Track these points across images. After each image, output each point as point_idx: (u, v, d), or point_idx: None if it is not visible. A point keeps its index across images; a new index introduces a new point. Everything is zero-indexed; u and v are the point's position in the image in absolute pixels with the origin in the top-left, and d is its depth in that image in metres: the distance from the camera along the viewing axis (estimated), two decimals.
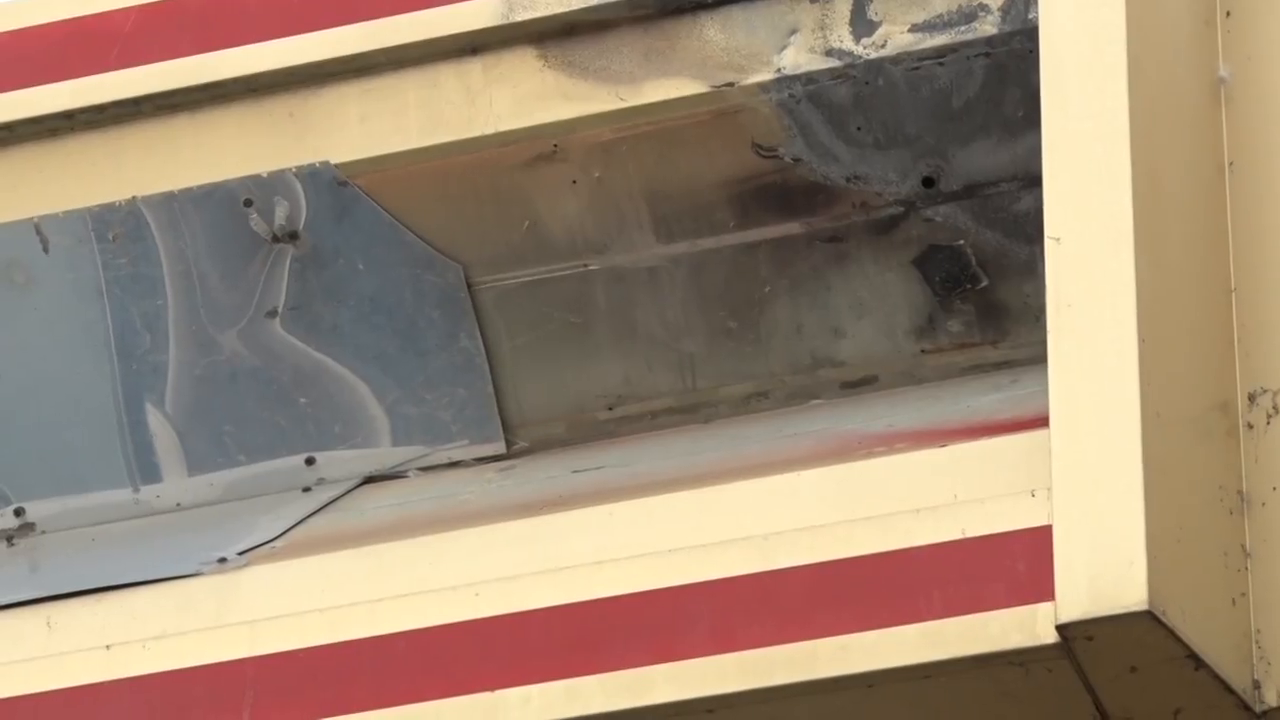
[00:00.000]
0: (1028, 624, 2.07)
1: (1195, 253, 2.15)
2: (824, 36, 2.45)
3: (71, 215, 2.51)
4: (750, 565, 2.17)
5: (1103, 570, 2.11)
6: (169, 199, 2.45)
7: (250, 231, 2.43)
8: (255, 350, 2.47)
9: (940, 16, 2.44)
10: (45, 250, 2.49)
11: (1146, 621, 1.93)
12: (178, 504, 2.49)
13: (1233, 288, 2.07)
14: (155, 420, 2.49)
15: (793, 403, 2.53)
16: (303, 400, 2.47)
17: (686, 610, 2.08)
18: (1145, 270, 2.12)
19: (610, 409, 2.50)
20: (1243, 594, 2.14)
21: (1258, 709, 2.08)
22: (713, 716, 2.07)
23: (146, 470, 2.47)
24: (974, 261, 2.50)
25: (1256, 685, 2.08)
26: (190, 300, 2.51)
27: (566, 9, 2.48)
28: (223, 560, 2.27)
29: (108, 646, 2.26)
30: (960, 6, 2.44)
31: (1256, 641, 2.14)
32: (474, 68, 2.43)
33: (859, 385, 2.57)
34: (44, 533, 2.53)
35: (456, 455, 2.46)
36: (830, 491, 2.27)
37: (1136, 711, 2.13)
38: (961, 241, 2.49)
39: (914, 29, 2.42)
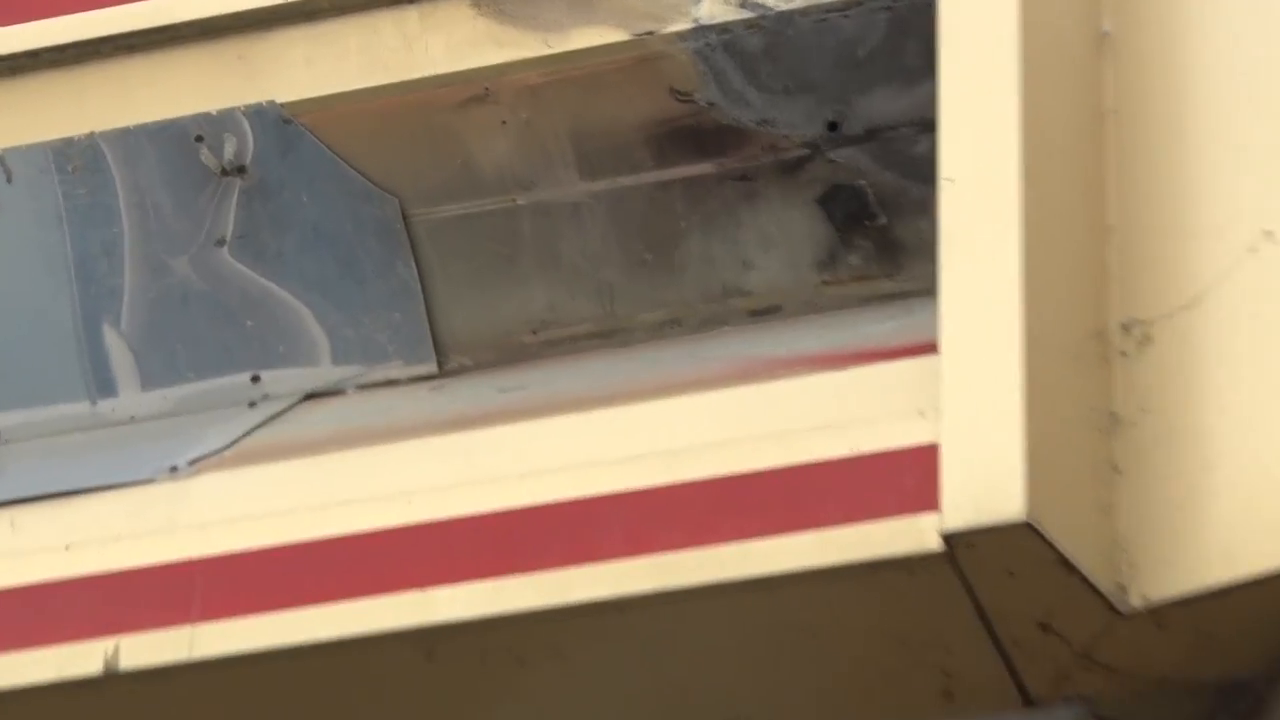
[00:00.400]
0: (915, 532, 1.94)
1: (1077, 193, 1.97)
2: None
3: (34, 148, 2.23)
4: (660, 478, 1.97)
5: (985, 484, 1.90)
6: (125, 134, 2.19)
7: (201, 165, 2.18)
8: (205, 276, 2.23)
9: None
10: (9, 180, 2.22)
11: (1024, 531, 1.80)
12: (132, 417, 2.24)
13: (1110, 225, 1.98)
14: (111, 339, 2.26)
15: (703, 329, 2.28)
16: (249, 323, 2.22)
17: (602, 518, 1.87)
18: (1030, 208, 1.91)
19: (535, 333, 2.26)
20: (1111, 506, 1.95)
21: (1123, 610, 1.92)
22: (624, 615, 1.93)
23: (103, 386, 2.22)
24: (873, 200, 2.29)
25: (1122, 589, 1.89)
26: (145, 228, 2.25)
27: None
28: (174, 469, 2.06)
29: (67, 546, 2.12)
30: None
31: (1123, 549, 1.97)
32: (411, 15, 2.17)
33: (765, 313, 2.35)
34: (8, 442, 2.28)
35: (392, 374, 2.22)
36: (735, 411, 2.09)
37: (1012, 611, 1.91)
38: (862, 182, 2.21)
39: None
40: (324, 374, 2.27)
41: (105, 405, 2.28)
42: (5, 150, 2.37)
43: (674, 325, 2.30)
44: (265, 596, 2.02)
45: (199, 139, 2.25)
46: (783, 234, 2.31)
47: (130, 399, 2.28)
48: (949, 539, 1.67)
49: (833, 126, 2.19)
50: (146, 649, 2.01)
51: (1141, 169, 1.99)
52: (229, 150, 2.24)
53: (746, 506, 1.97)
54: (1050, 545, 1.70)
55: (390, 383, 2.27)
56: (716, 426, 2.06)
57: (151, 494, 2.08)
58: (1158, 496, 1.87)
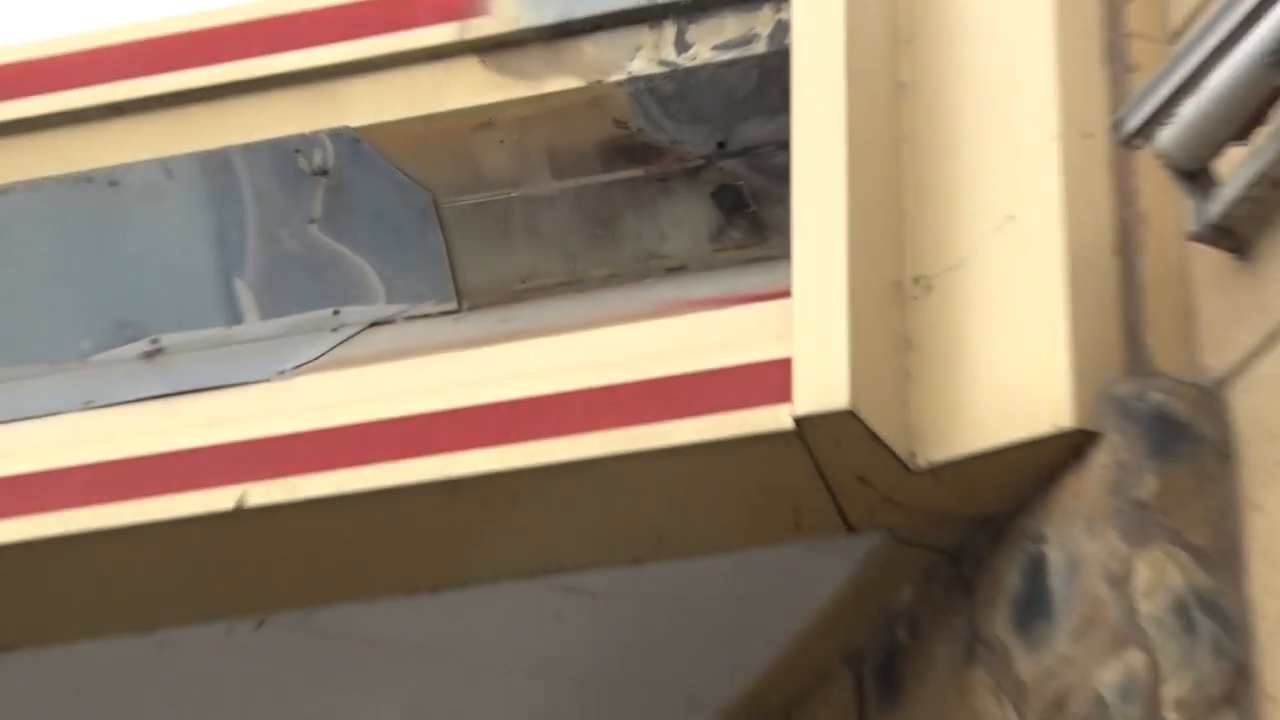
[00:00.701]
0: (775, 417, 2.05)
1: (883, 190, 2.18)
2: (658, 52, 2.52)
3: (185, 156, 2.66)
4: (603, 380, 2.22)
5: (822, 385, 2.00)
6: (248, 147, 2.61)
7: (298, 169, 2.60)
8: (301, 243, 2.64)
9: (730, 40, 2.48)
10: (170, 177, 2.61)
11: (847, 416, 1.94)
12: (253, 338, 2.65)
13: (905, 212, 2.18)
14: (239, 285, 2.65)
15: (635, 281, 2.67)
16: (331, 275, 2.61)
17: (565, 406, 2.19)
18: (852, 201, 1.96)
19: (523, 283, 2.67)
20: (905, 400, 2.07)
21: (913, 469, 2.01)
22: (579, 472, 2.15)
23: (234, 316, 2.62)
24: (748, 195, 2.59)
25: (912, 455, 1.93)
26: (261, 211, 2.66)
27: (498, 31, 2.57)
28: (281, 372, 2.46)
29: (209, 424, 2.37)
30: (743, 34, 2.49)
31: (912, 428, 2.01)
32: (439, 68, 2.58)
33: (676, 270, 2.68)
34: (170, 353, 2.68)
35: (426, 310, 2.64)
36: (654, 335, 2.33)
37: (839, 469, 2.06)
38: (740, 182, 2.59)
39: (714, 48, 2.49)
40: (381, 310, 2.62)
41: (235, 330, 2.64)
42: (167, 158, 2.72)
43: (615, 278, 2.63)
44: (345, 457, 2.21)
45: (297, 151, 2.63)
46: (688, 217, 2.64)
47: (253, 326, 2.64)
48: (798, 421, 1.91)
49: (721, 145, 2.56)
50: (266, 492, 2.20)
51: (925, 173, 2.20)
52: (317, 159, 2.61)
53: (663, 399, 2.08)
54: (864, 425, 1.89)
55: (425, 316, 2.61)
56: (643, 346, 2.26)
57: (267, 389, 2.46)
58: (936, 394, 2.02)
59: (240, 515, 2.20)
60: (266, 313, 2.64)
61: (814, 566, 2.36)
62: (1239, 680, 1.69)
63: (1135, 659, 1.75)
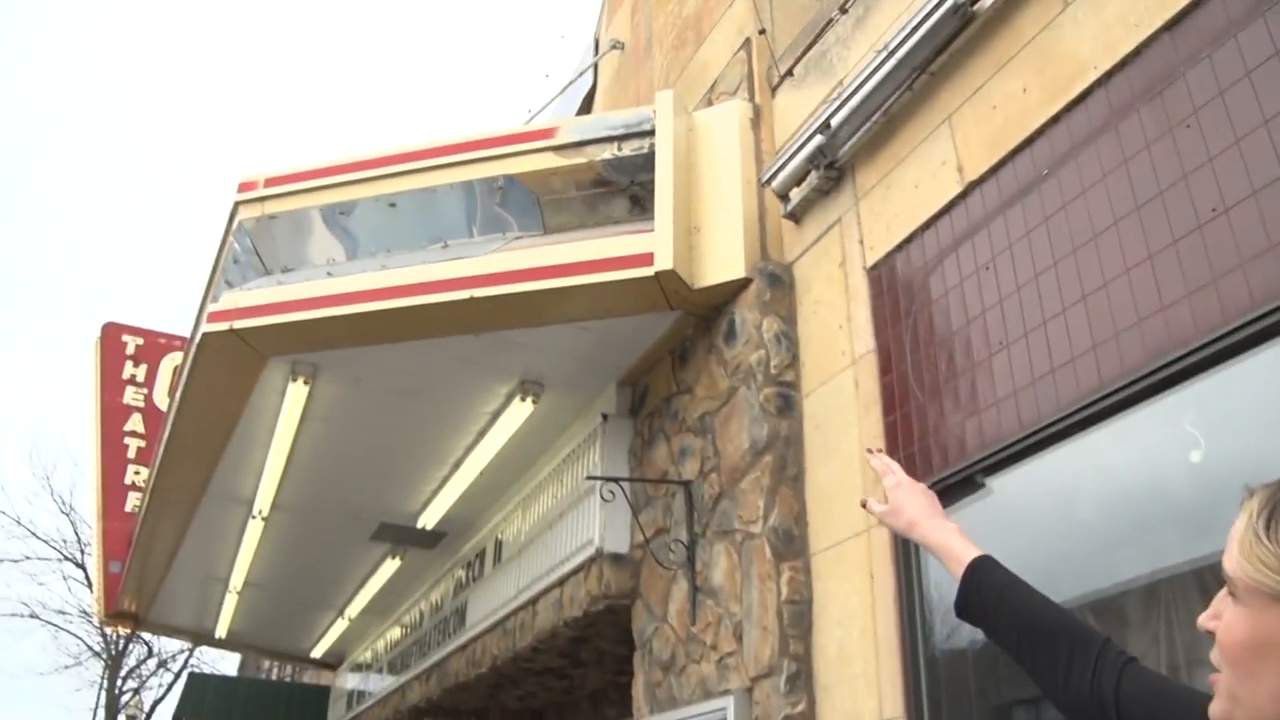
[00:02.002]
0: (647, 271, 4.68)
1: (684, 192, 5.38)
2: (614, 151, 5.40)
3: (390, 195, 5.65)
4: (573, 257, 5.17)
5: (662, 259, 4.63)
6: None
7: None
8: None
9: (639, 148, 5.14)
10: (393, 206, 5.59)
11: (672, 272, 4.88)
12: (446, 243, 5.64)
13: (690, 198, 5.41)
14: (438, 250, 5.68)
15: (596, 226, 5.40)
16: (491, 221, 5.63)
17: (514, 275, 5.30)
18: (673, 196, 5.33)
19: (519, 239, 5.74)
20: (691, 261, 5.26)
21: (692, 285, 4.57)
22: (505, 305, 5.16)
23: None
24: (642, 199, 4.79)
25: (689, 285, 5.01)
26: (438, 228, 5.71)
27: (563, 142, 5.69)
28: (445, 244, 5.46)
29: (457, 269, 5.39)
30: (640, 147, 5.24)
31: (693, 277, 5.16)
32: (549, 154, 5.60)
33: (614, 223, 5.60)
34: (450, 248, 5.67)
35: (517, 235, 5.65)
36: (602, 242, 5.26)
37: (667, 288, 4.27)
38: (639, 193, 5.06)
39: (632, 150, 5.48)
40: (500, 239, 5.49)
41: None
42: (394, 194, 5.28)
43: (590, 226, 5.45)
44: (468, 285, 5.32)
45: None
46: (619, 207, 5.03)
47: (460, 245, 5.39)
48: (656, 274, 4.58)
49: (632, 181, 4.96)
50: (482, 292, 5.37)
51: (699, 198, 5.45)
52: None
53: (605, 264, 5.09)
54: (676, 273, 4.52)
55: (517, 238, 5.70)
56: (599, 248, 5.27)
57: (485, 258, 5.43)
58: (701, 260, 4.76)
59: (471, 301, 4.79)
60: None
61: (658, 321, 5.04)
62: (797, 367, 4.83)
63: (759, 354, 4.60)
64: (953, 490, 3.41)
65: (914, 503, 1.82)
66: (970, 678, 3.46)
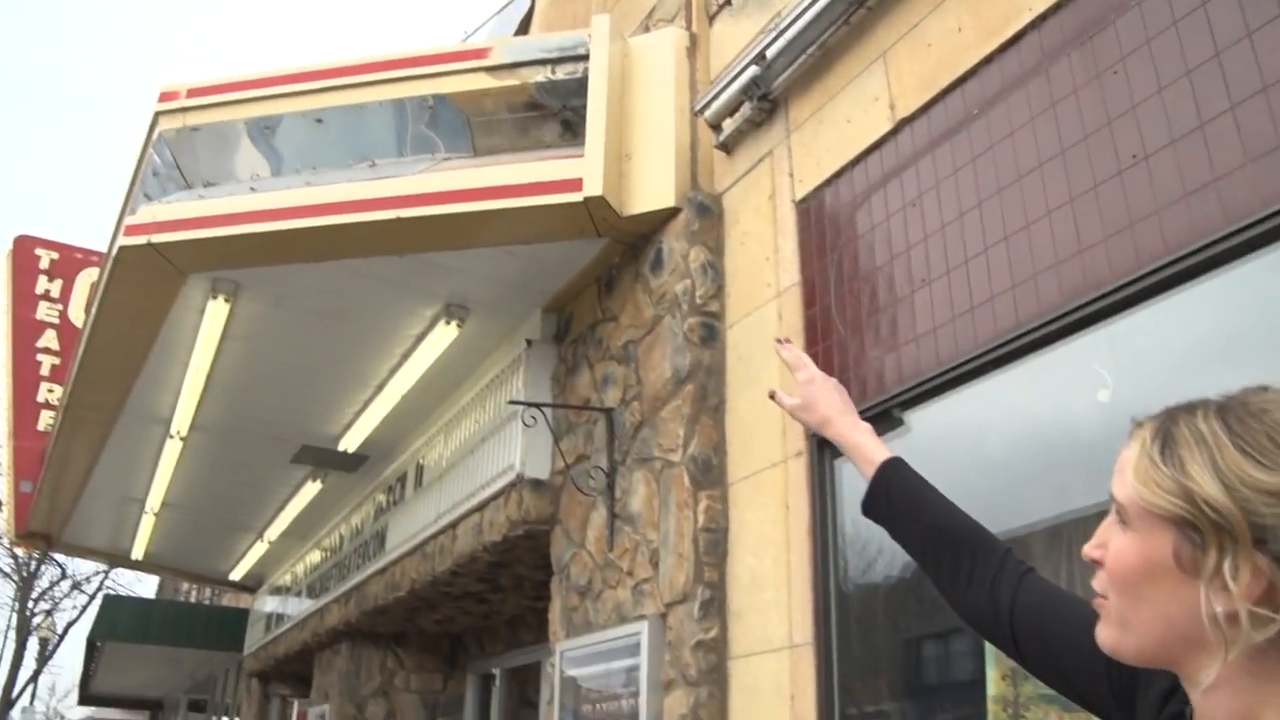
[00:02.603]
0: (576, 197, 4.52)
1: (616, 122, 5.34)
2: (548, 73, 5.43)
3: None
4: (505, 179, 5.20)
5: (591, 184, 4.33)
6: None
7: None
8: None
9: (572, 71, 5.40)
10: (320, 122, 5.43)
11: (600, 198, 5.00)
12: (375, 164, 5.52)
13: (622, 126, 5.37)
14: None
15: (527, 150, 5.24)
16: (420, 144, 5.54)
17: (442, 196, 5.22)
18: (606, 124, 5.26)
19: (488, 147, 5.68)
20: (620, 188, 5.21)
21: (621, 212, 4.85)
22: (433, 227, 5.13)
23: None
24: (574, 124, 4.88)
25: (618, 212, 5.07)
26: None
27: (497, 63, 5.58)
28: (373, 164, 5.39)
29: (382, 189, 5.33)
30: (574, 70, 5.38)
31: (623, 200, 5.19)
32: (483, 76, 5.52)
33: (546, 147, 5.57)
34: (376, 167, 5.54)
35: (446, 156, 5.60)
36: (534, 166, 5.29)
37: (595, 214, 4.37)
38: (571, 115, 5.20)
39: (566, 74, 5.49)
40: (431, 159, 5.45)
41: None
42: (321, 110, 5.33)
43: (521, 150, 5.60)
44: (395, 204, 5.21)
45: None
46: (550, 131, 5.04)
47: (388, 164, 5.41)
48: (585, 200, 4.53)
49: (564, 105, 4.99)
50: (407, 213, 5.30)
51: (630, 121, 5.47)
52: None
53: (536, 188, 4.97)
54: (605, 199, 4.59)
55: (445, 159, 5.54)
56: (531, 170, 5.26)
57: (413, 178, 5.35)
58: (630, 187, 4.66)
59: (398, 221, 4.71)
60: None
61: (585, 247, 5.04)
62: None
63: (685, 283, 4.59)
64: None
65: (827, 398, 1.80)
66: (880, 610, 3.54)
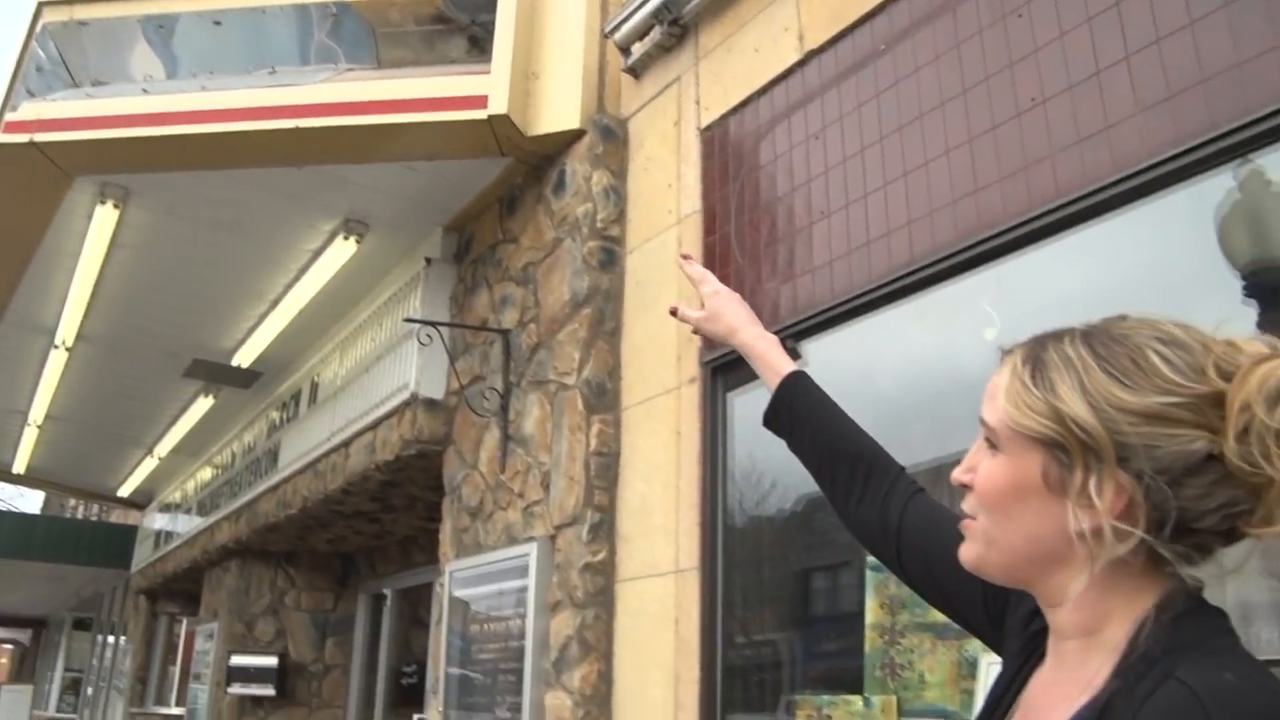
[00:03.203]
0: (481, 115, 4.49)
1: (526, 37, 5.22)
2: None
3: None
4: (407, 93, 4.98)
5: (496, 102, 4.28)
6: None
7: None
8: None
9: None
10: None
11: (505, 116, 4.65)
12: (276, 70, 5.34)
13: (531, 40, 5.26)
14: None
15: (433, 65, 4.98)
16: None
17: (345, 109, 5.10)
18: (514, 40, 5.16)
19: (394, 59, 5.50)
20: (526, 108, 5.10)
21: (527, 132, 4.84)
22: (331, 136, 4.98)
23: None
24: (480, 39, 4.95)
25: (526, 127, 5.08)
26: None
27: None
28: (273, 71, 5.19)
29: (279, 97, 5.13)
30: None
31: (528, 119, 5.25)
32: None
33: (452, 62, 5.30)
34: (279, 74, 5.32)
35: (349, 67, 5.41)
36: (441, 80, 5.18)
37: (499, 133, 4.30)
38: (479, 31, 5.08)
39: None
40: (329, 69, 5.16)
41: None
42: (219, 11, 5.11)
43: (426, 62, 5.50)
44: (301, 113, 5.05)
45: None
46: (456, 47, 4.83)
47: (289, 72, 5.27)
48: (490, 118, 4.47)
49: (472, 20, 4.93)
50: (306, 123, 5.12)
51: (540, 39, 5.35)
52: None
53: (440, 104, 4.95)
54: (509, 118, 4.48)
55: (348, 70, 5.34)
56: (438, 85, 5.09)
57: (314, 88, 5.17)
58: (537, 107, 4.62)
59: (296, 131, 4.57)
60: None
61: (488, 167, 4.96)
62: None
63: (587, 206, 4.48)
64: None
65: (733, 309, 1.81)
66: (768, 541, 3.60)
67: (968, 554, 1.17)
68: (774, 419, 1.69)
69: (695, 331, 1.94)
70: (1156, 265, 2.65)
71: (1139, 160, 2.47)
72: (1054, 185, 2.69)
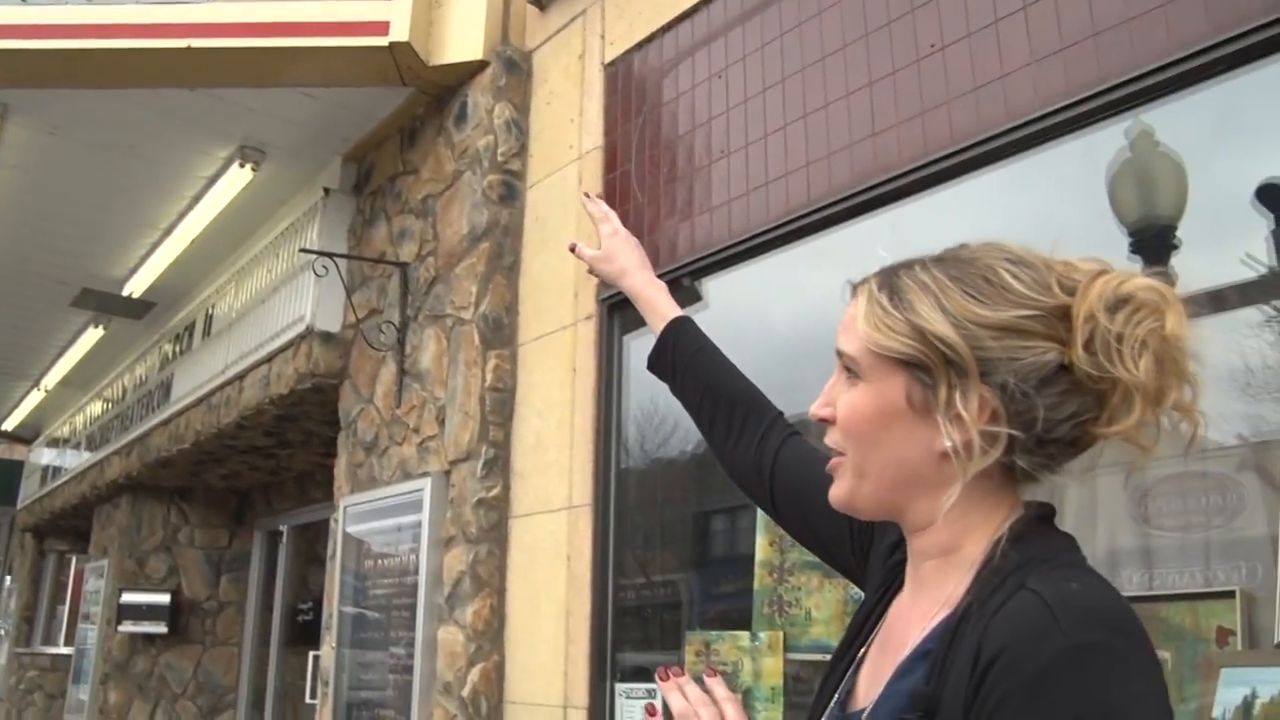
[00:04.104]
0: (382, 42, 4.37)
1: None
2: None
3: None
4: (309, 16, 5.03)
5: (398, 29, 4.12)
6: None
7: None
8: None
9: None
10: None
11: (406, 43, 4.25)
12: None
13: None
14: None
15: None
16: None
17: (246, 29, 4.95)
18: None
19: None
20: (429, 37, 4.94)
21: (429, 63, 4.85)
22: (242, 59, 4.81)
23: None
24: None
25: (429, 58, 5.01)
26: None
27: None
28: None
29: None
30: None
31: (431, 48, 5.00)
32: None
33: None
34: None
35: None
36: (345, 7, 5.06)
37: (400, 62, 4.19)
38: None
39: None
40: None
41: None
42: None
43: None
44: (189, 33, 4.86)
45: None
46: None
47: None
48: (391, 45, 4.34)
49: None
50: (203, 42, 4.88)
51: None
52: None
53: (338, 30, 4.97)
54: (410, 45, 4.35)
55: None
56: (338, 11, 5.06)
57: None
58: (440, 37, 4.50)
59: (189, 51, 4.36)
60: None
61: (389, 96, 4.87)
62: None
63: (488, 139, 4.40)
64: None
65: (627, 252, 1.87)
66: (666, 483, 3.62)
67: (838, 492, 1.19)
68: (658, 362, 1.75)
69: (591, 271, 1.99)
70: (1046, 215, 2.75)
71: (1031, 110, 2.52)
72: (949, 132, 2.73)
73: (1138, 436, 1.03)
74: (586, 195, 2.08)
